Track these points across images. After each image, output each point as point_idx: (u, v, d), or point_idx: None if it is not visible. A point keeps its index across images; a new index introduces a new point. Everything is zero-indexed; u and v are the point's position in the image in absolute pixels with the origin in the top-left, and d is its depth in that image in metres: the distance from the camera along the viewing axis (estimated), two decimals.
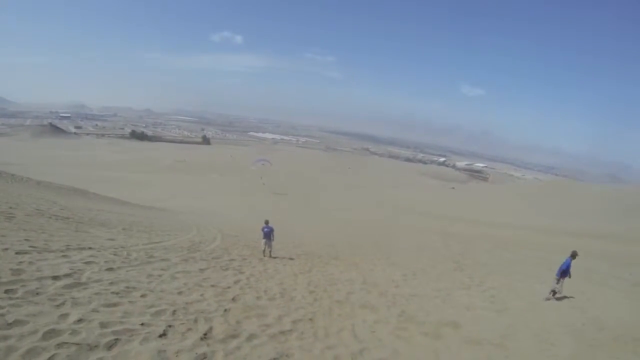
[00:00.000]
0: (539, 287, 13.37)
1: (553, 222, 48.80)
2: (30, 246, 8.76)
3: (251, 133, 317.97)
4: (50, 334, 4.90)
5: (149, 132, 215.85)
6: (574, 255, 11.42)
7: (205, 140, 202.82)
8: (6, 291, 5.88)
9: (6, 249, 8.03)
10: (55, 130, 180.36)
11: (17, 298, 5.76)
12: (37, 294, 6.12)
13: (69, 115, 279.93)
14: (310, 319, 8.14)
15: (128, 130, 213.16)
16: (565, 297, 11.54)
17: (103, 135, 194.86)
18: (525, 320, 9.52)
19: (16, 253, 7.93)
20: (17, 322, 4.98)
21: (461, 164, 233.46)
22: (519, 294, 12.44)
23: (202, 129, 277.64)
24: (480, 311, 10.14)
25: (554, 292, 11.59)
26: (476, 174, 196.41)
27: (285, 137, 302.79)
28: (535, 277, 15.78)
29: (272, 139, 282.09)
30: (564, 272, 11.25)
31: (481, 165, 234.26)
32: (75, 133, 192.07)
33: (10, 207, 13.86)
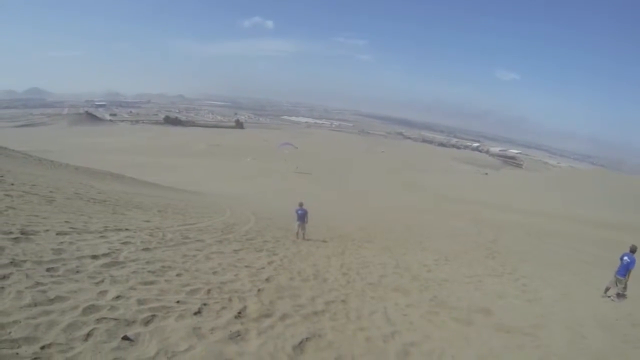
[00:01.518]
0: (570, 279, 13.13)
1: (588, 212, 47.21)
2: (70, 227, 9.02)
3: (284, 117, 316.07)
4: (90, 309, 5.02)
5: (183, 118, 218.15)
6: (634, 250, 10.80)
7: (239, 125, 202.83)
8: (48, 269, 6.06)
9: (47, 230, 8.28)
10: (91, 118, 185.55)
11: (59, 276, 5.93)
12: (77, 272, 6.29)
13: (104, 103, 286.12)
14: (343, 301, 8.14)
15: (162, 116, 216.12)
16: (616, 293, 11.07)
17: (137, 121, 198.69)
18: (556, 311, 9.34)
19: (57, 234, 8.18)
20: (58, 298, 5.12)
21: (495, 149, 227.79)
22: (551, 284, 12.21)
23: (235, 113, 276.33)
24: (512, 299, 10.03)
25: (608, 289, 11.10)
26: (510, 160, 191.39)
27: (318, 121, 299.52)
28: (568, 267, 15.56)
29: (306, 122, 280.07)
30: (627, 271, 10.59)
31: (515, 151, 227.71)
32: (110, 120, 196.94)
33: (51, 191, 14.32)
